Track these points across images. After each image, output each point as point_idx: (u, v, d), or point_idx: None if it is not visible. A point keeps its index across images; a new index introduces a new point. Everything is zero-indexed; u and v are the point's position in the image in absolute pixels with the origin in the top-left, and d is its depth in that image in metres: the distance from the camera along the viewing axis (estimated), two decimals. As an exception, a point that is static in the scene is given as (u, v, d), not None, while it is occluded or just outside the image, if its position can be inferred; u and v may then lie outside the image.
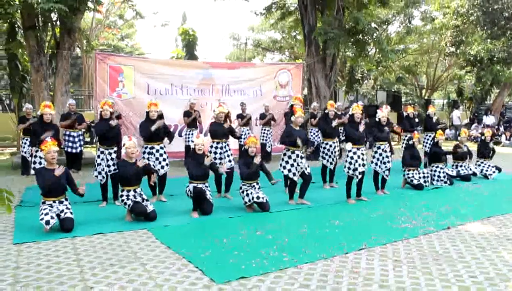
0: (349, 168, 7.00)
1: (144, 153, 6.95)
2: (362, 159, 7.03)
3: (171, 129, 7.41)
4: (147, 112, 7.02)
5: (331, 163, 8.13)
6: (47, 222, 5.12)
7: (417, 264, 4.39)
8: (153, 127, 6.81)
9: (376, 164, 7.56)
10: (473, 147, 10.61)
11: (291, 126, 6.96)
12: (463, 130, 9.71)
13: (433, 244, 5.02)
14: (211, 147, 7.28)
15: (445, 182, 8.51)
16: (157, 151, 6.99)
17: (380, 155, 7.55)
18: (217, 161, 7.08)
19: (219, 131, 7.26)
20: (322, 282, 3.92)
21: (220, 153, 7.25)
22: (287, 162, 6.80)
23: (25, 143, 9.11)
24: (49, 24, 10.90)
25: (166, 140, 7.11)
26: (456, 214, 6.35)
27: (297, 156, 6.77)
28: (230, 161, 7.25)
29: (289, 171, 6.77)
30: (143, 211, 5.71)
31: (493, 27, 18.63)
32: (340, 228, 5.63)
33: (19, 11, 10.22)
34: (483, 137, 10.00)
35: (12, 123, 13.21)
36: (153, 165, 6.73)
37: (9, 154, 12.53)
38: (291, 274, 4.09)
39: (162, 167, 7.00)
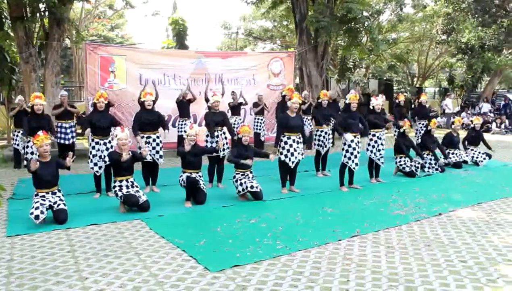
0: (349, 158, 7.03)
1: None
2: (359, 148, 7.08)
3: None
4: (143, 102, 6.96)
5: (323, 148, 8.17)
6: (37, 217, 5.09)
7: (409, 250, 4.45)
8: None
9: (372, 151, 7.60)
10: (464, 134, 10.69)
11: (287, 113, 6.95)
12: (456, 118, 9.77)
13: (424, 230, 5.09)
14: (207, 135, 7.28)
15: (437, 169, 8.59)
16: (154, 140, 6.95)
17: (376, 142, 7.58)
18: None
19: (215, 119, 7.26)
20: (316, 269, 3.97)
21: (217, 142, 7.24)
22: (283, 147, 6.83)
23: (17, 135, 9.04)
24: (38, 14, 10.72)
25: (165, 131, 7.07)
26: (447, 200, 6.43)
27: (293, 141, 6.81)
28: (224, 149, 7.25)
29: (286, 156, 6.80)
30: (135, 202, 5.71)
31: (484, 14, 18.67)
32: (333, 215, 5.68)
33: (5, 1, 10.05)
34: (472, 125, 10.08)
35: (2, 116, 13.07)
36: (149, 154, 6.73)
37: (-1, 147, 12.42)
38: (285, 262, 4.14)
39: (161, 156, 6.99)
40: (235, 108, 10.44)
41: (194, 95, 9.78)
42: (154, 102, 7.06)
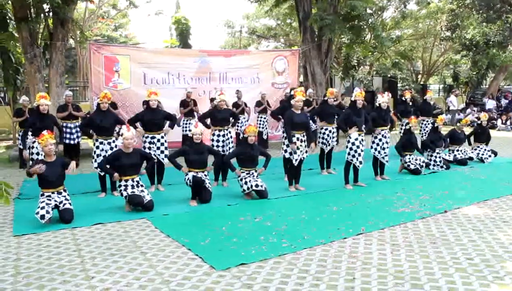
0: (353, 156, 7.01)
1: (144, 142, 6.91)
2: (363, 146, 7.05)
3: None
4: (147, 101, 6.93)
5: (326, 146, 8.16)
6: (42, 217, 5.10)
7: (414, 248, 4.43)
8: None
9: (376, 149, 7.57)
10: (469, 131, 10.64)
11: (292, 111, 6.93)
12: (464, 119, 9.72)
13: (430, 228, 5.07)
14: (213, 134, 7.27)
15: (442, 167, 8.55)
16: (158, 140, 6.92)
17: (380, 140, 7.55)
18: (220, 149, 7.10)
19: (220, 116, 7.23)
20: (321, 267, 3.97)
21: (223, 141, 7.24)
22: (288, 145, 6.82)
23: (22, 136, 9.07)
24: (42, 15, 10.78)
25: (167, 128, 7.05)
26: (452, 197, 6.41)
27: (297, 139, 6.80)
28: (229, 149, 7.25)
29: (290, 153, 6.80)
30: (140, 202, 5.71)
31: (488, 10, 18.56)
32: (338, 213, 5.67)
33: (10, 2, 10.11)
34: (479, 122, 10.03)
35: (7, 116, 13.13)
36: (154, 155, 6.73)
37: (5, 147, 12.49)
38: (290, 260, 4.14)
39: (166, 156, 6.97)
40: (239, 107, 10.44)
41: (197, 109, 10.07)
42: (158, 102, 7.05)
